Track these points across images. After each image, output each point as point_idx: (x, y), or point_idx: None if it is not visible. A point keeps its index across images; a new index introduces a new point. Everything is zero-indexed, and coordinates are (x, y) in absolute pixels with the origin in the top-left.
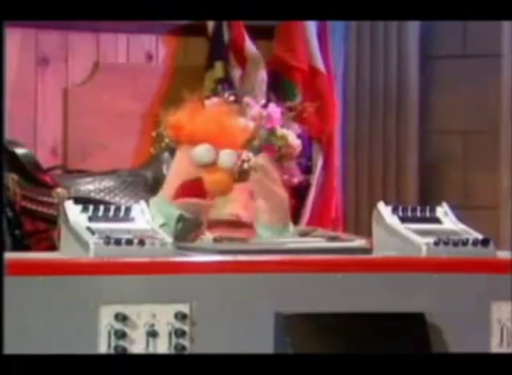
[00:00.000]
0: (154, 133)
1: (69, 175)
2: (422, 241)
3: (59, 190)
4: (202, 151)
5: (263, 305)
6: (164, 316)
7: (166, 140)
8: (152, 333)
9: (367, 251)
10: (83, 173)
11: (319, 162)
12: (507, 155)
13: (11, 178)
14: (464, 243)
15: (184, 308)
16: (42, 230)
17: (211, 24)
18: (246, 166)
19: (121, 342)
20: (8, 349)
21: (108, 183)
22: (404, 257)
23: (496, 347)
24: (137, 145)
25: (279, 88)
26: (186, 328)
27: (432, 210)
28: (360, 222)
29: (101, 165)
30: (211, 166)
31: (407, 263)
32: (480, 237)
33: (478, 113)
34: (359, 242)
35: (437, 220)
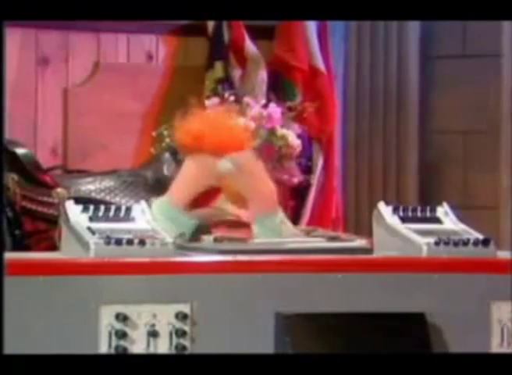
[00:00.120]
0: (154, 133)
1: (70, 175)
2: (423, 241)
3: (59, 190)
4: (229, 164)
5: (263, 305)
6: (164, 316)
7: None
8: (153, 334)
9: (367, 251)
10: (84, 173)
11: (319, 162)
12: (507, 155)
13: (11, 178)
14: (465, 243)
15: (185, 308)
16: (42, 230)
17: (211, 24)
18: None
19: (121, 342)
20: (8, 349)
21: (108, 183)
22: (405, 257)
23: (496, 347)
24: (138, 145)
25: (279, 88)
26: (186, 328)
27: (433, 210)
28: (360, 222)
29: (102, 165)
30: (233, 175)
31: (407, 263)
32: (480, 237)
33: (478, 113)
34: (359, 242)
35: (437, 220)
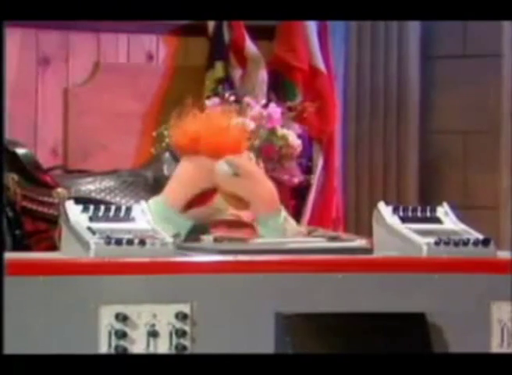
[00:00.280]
0: (154, 134)
1: (70, 175)
2: (423, 241)
3: (60, 190)
4: (227, 166)
5: (263, 305)
6: (164, 316)
7: (167, 140)
8: (153, 334)
9: (367, 251)
10: (84, 173)
11: (320, 162)
12: (507, 155)
13: (11, 178)
14: (465, 243)
15: (185, 308)
16: (42, 230)
17: (211, 24)
18: None
19: (121, 342)
20: (8, 349)
21: (108, 183)
22: (405, 257)
23: (496, 347)
24: (138, 145)
25: (279, 88)
26: (186, 328)
27: (433, 210)
28: (360, 222)
29: (102, 165)
30: (231, 178)
31: (407, 263)
32: (480, 237)
33: (478, 113)
34: (359, 242)
35: (438, 220)
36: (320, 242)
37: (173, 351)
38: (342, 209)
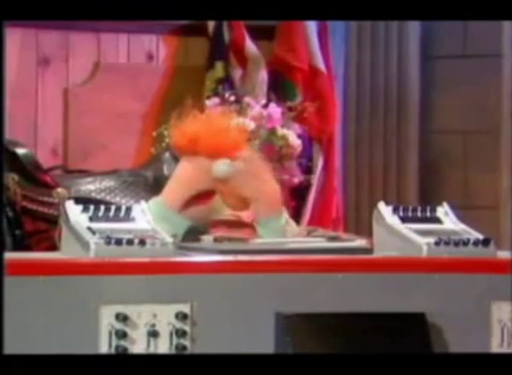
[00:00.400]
0: (154, 134)
1: (70, 175)
2: (423, 241)
3: (60, 190)
4: (224, 167)
5: (264, 305)
6: (165, 316)
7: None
8: (153, 334)
9: (367, 251)
10: (84, 173)
11: (320, 162)
12: (507, 155)
13: (11, 178)
14: (465, 243)
15: (185, 308)
16: (43, 230)
17: (211, 24)
18: None
19: (122, 342)
20: (8, 349)
21: (108, 183)
22: (405, 257)
23: (496, 347)
24: (138, 145)
25: (279, 88)
26: (186, 328)
27: (433, 210)
28: (360, 222)
29: (102, 165)
30: (228, 179)
31: (407, 263)
32: (481, 237)
33: (478, 113)
34: (359, 242)
35: (438, 220)
36: (320, 242)
37: (173, 351)
38: (342, 209)
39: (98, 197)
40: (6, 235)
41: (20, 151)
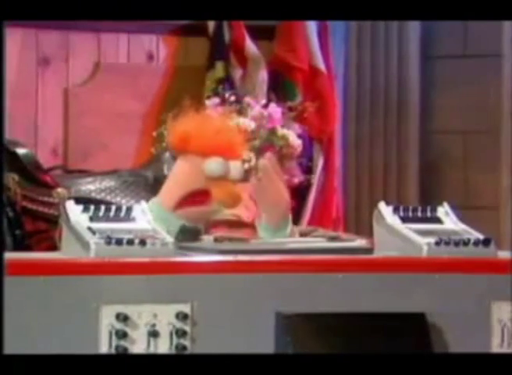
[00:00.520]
0: (154, 133)
1: (70, 175)
2: (423, 241)
3: (60, 190)
4: (215, 165)
5: (264, 305)
6: (165, 316)
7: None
8: (153, 334)
9: (368, 251)
10: (84, 173)
11: (320, 162)
12: (508, 155)
13: (11, 178)
14: (465, 243)
15: (185, 308)
16: (43, 230)
17: (211, 24)
18: (246, 166)
19: (122, 342)
20: (8, 349)
21: (108, 183)
22: (405, 257)
23: (496, 347)
24: (138, 145)
25: (279, 88)
26: (187, 328)
27: (433, 210)
28: (360, 222)
29: (102, 165)
30: (221, 178)
31: (407, 263)
32: (481, 237)
33: (478, 113)
34: (360, 242)
35: (438, 220)
36: (320, 242)
37: (173, 351)
38: (342, 209)
39: (98, 197)
40: (6, 235)
41: (20, 151)
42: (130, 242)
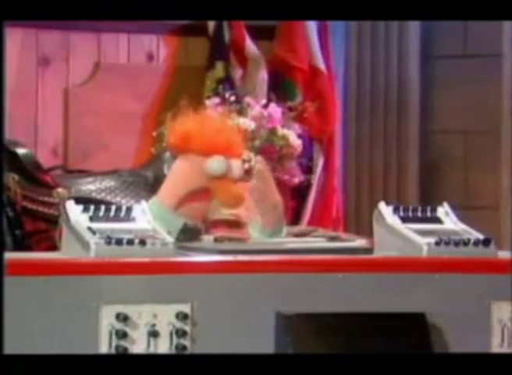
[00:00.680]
0: (154, 133)
1: (70, 175)
2: (423, 241)
3: (60, 190)
4: (217, 164)
5: (264, 305)
6: (165, 316)
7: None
8: (153, 334)
9: (368, 251)
10: (84, 173)
11: (320, 162)
12: (508, 155)
13: (11, 178)
14: (465, 243)
15: (185, 308)
16: (43, 230)
17: (211, 24)
18: (247, 166)
19: (122, 342)
20: (8, 349)
21: (108, 183)
22: (405, 257)
23: (496, 347)
24: (138, 145)
25: (279, 88)
26: (187, 328)
27: (433, 210)
28: (360, 222)
29: (102, 165)
30: (223, 177)
31: (407, 263)
32: (481, 237)
33: (478, 113)
34: (360, 242)
35: (438, 220)
36: (320, 242)
37: (173, 351)
38: (342, 209)
39: (99, 197)
40: (6, 235)
41: (20, 151)
42: (130, 242)
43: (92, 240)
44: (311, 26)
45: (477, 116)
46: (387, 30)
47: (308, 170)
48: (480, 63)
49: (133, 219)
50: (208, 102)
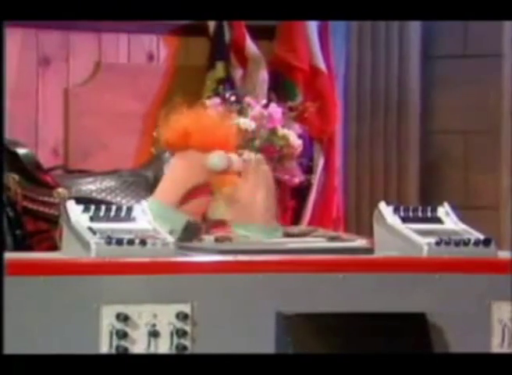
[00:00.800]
0: (155, 133)
1: (70, 175)
2: (424, 241)
3: (60, 190)
4: (218, 159)
5: (264, 305)
6: (165, 316)
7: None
8: (153, 334)
9: (368, 251)
10: (85, 173)
11: (320, 162)
12: (508, 155)
13: (12, 178)
14: (466, 243)
15: (185, 308)
16: (44, 230)
17: (212, 24)
18: (247, 165)
19: (122, 342)
20: (8, 349)
21: (109, 183)
22: (406, 257)
23: (496, 347)
24: (138, 145)
25: (280, 88)
26: (187, 328)
27: (434, 210)
28: (361, 222)
29: (102, 165)
30: (224, 171)
31: (408, 263)
32: (481, 237)
33: (478, 113)
34: (360, 242)
35: (438, 220)
36: (320, 242)
37: (174, 351)
38: (342, 209)
39: (99, 197)
40: (7, 235)
41: (21, 151)
42: (131, 242)
43: (92, 240)
44: (312, 26)
45: (477, 116)
46: (388, 30)
47: (309, 170)
48: (480, 63)
49: (134, 219)
50: (208, 102)
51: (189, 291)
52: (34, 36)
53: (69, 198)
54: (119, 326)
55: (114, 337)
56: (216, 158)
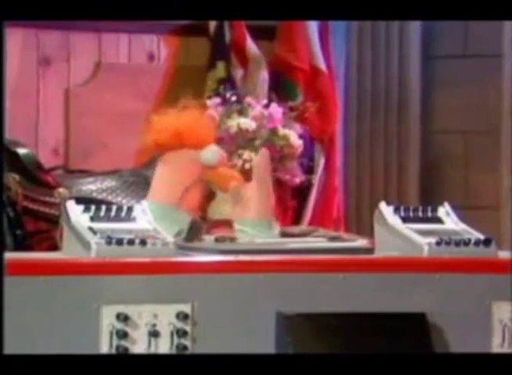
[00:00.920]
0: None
1: (71, 175)
2: (424, 241)
3: (61, 190)
4: (211, 154)
5: (264, 305)
6: (165, 316)
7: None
8: (154, 333)
9: (368, 251)
10: (85, 173)
11: (321, 162)
12: (508, 155)
13: (12, 178)
14: (466, 243)
15: (186, 308)
16: (44, 230)
17: (212, 24)
18: (247, 166)
19: (122, 342)
20: (8, 349)
21: (109, 183)
22: (406, 257)
23: (497, 347)
24: (139, 145)
25: (280, 88)
26: (187, 328)
27: (434, 210)
28: (361, 222)
29: (103, 165)
30: (217, 165)
31: (408, 263)
32: (482, 237)
33: (478, 113)
34: (361, 242)
35: (439, 220)
36: (321, 242)
37: (174, 351)
38: (343, 209)
39: (99, 197)
40: (7, 235)
41: (21, 151)
42: (131, 242)
43: (93, 240)
44: (312, 26)
45: (477, 116)
46: (388, 30)
47: (309, 170)
48: (480, 63)
49: (134, 219)
50: (208, 102)
51: (189, 291)
52: (35, 36)
53: (70, 198)
54: (119, 326)
55: (114, 337)
56: (210, 154)
